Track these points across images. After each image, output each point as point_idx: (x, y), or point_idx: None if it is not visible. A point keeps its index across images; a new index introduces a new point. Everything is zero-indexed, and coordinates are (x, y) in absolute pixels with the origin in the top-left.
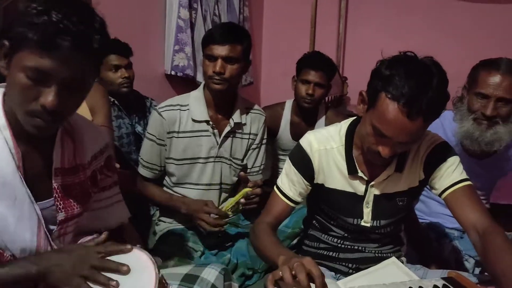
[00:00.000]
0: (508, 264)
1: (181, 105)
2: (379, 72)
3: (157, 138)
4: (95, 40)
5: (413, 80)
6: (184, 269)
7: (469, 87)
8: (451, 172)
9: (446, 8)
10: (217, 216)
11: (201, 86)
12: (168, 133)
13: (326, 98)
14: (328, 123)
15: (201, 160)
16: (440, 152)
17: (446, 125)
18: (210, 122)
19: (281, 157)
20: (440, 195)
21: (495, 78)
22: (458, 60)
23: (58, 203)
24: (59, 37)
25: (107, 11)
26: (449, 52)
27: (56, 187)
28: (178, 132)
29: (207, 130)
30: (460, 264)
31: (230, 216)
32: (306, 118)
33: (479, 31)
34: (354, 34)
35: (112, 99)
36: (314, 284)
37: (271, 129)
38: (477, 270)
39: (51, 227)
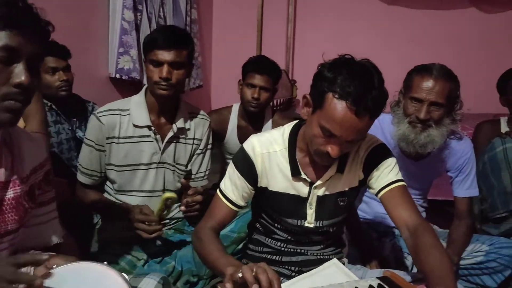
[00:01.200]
0: (437, 260)
1: (121, 110)
2: (323, 75)
3: (96, 144)
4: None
5: (357, 80)
6: None
7: (405, 91)
8: (388, 173)
9: (388, 15)
10: (152, 222)
11: (143, 91)
12: (108, 138)
13: (275, 101)
14: (275, 126)
15: (143, 167)
16: (378, 154)
17: (385, 128)
18: (152, 128)
19: (229, 161)
20: (376, 194)
21: (428, 83)
22: (398, 64)
23: None
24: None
25: (47, 13)
26: (390, 56)
27: None
28: (118, 138)
29: (149, 136)
30: (400, 262)
31: (166, 219)
32: (252, 122)
33: (419, 36)
34: (303, 38)
35: (49, 104)
36: None
37: (218, 133)
38: (415, 268)
39: None
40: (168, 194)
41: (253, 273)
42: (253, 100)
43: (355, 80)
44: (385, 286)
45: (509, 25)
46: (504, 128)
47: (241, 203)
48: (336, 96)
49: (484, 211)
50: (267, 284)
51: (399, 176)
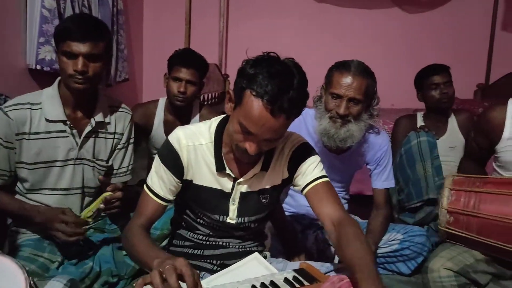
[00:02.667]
0: (357, 249)
1: (32, 104)
2: (244, 71)
3: (4, 141)
4: None
5: (276, 80)
6: None
7: (326, 87)
8: (312, 170)
9: (318, 12)
10: (75, 225)
11: (56, 83)
12: (17, 134)
13: (207, 96)
14: (202, 121)
15: (58, 163)
16: (302, 152)
17: (308, 123)
18: (68, 122)
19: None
20: (302, 190)
21: (347, 80)
22: (326, 60)
23: None
24: None
25: None
26: (319, 52)
27: None
28: (29, 134)
29: (64, 131)
30: (323, 253)
31: (90, 223)
32: (179, 116)
33: (346, 34)
34: (236, 33)
35: None
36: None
37: (144, 128)
38: (337, 259)
39: None
40: (106, 194)
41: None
42: (179, 94)
43: (274, 79)
44: (300, 278)
45: (428, 25)
46: (420, 122)
47: (169, 197)
48: (254, 93)
49: (401, 201)
50: (175, 286)
51: (323, 173)
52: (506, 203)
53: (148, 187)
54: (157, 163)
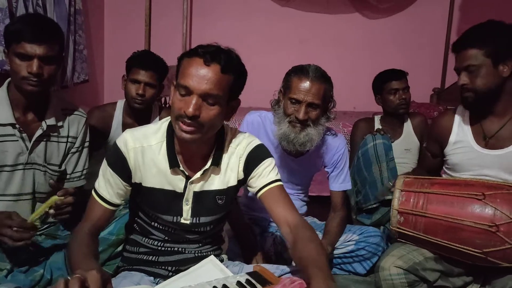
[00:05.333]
0: (311, 251)
1: None
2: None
3: None
4: None
5: (213, 47)
6: None
7: (284, 91)
8: (268, 172)
9: (281, 16)
10: (21, 229)
11: (5, 85)
12: None
13: (168, 98)
14: None
15: (7, 168)
16: (258, 154)
17: (267, 127)
18: (17, 125)
19: None
20: (256, 193)
21: (305, 85)
22: (289, 64)
23: None
24: None
25: None
26: (281, 55)
27: None
28: None
29: (13, 135)
30: (281, 255)
31: (39, 227)
32: (139, 119)
33: (309, 38)
34: (199, 35)
35: None
36: None
37: (102, 131)
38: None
39: None
40: (55, 198)
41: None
42: (138, 96)
43: (211, 47)
44: (253, 280)
45: (388, 31)
46: (377, 125)
47: (116, 201)
48: (187, 55)
49: (358, 203)
50: None
51: (278, 176)
52: (450, 204)
53: (95, 191)
54: (104, 166)
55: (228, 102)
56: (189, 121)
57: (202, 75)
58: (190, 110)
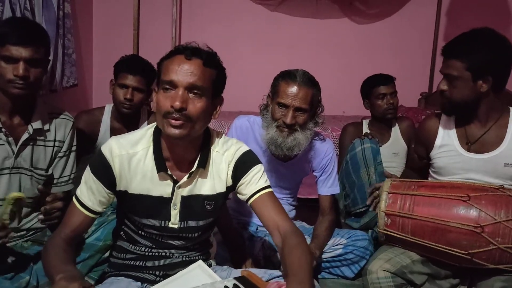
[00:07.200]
0: (296, 257)
1: None
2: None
3: None
4: None
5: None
6: None
7: (272, 96)
8: (258, 179)
9: (270, 21)
10: None
11: None
12: None
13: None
14: None
15: None
16: (246, 161)
17: (256, 131)
18: (3, 129)
19: None
20: (247, 200)
21: (293, 90)
22: (279, 68)
23: None
24: None
25: None
26: (271, 60)
27: None
28: None
29: None
30: (270, 259)
31: (8, 224)
32: (127, 124)
33: (298, 43)
34: (189, 40)
35: None
36: None
37: (90, 136)
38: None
39: None
40: (15, 194)
41: None
42: (126, 101)
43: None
44: (240, 285)
45: (376, 36)
46: (365, 129)
47: (98, 209)
48: (167, 58)
49: (347, 206)
50: None
51: (268, 183)
52: (437, 205)
53: (76, 197)
54: (87, 173)
55: (212, 97)
56: (177, 115)
57: (185, 69)
58: (177, 103)
